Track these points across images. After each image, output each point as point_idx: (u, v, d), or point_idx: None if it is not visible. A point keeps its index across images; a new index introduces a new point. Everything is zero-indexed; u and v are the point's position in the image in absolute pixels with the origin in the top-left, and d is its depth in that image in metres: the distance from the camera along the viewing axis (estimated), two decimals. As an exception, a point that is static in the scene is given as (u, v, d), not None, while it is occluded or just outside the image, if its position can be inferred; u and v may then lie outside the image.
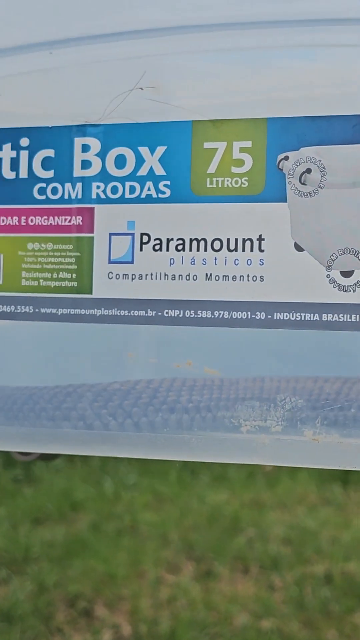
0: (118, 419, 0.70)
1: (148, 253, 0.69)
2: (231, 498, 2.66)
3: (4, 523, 2.50)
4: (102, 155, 0.70)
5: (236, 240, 0.67)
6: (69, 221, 0.71)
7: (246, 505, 2.61)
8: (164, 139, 0.68)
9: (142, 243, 0.69)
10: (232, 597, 2.18)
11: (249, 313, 0.66)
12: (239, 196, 0.66)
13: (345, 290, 0.64)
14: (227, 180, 0.67)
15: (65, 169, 0.71)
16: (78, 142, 0.70)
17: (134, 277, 0.69)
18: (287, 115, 0.65)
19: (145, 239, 0.69)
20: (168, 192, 0.68)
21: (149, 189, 0.69)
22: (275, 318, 0.66)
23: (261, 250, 0.66)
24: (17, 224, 0.72)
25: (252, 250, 0.66)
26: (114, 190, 0.69)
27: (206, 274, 0.67)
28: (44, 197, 0.71)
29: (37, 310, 0.71)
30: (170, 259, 0.68)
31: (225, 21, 0.67)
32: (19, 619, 2.03)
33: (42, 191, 0.71)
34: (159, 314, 0.68)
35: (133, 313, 0.69)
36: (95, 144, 0.70)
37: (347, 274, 0.64)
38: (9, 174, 0.72)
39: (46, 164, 0.71)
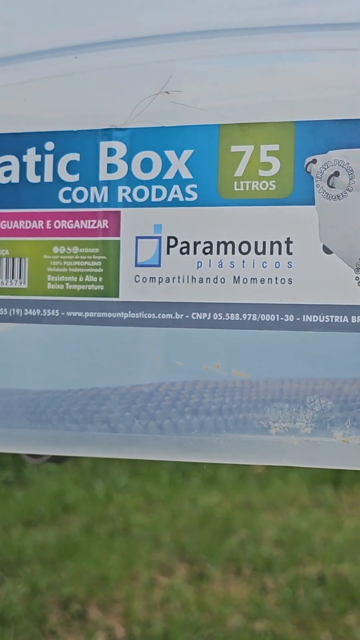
0: (143, 421, 0.70)
1: (175, 256, 0.69)
2: (223, 500, 2.66)
3: (-4, 526, 2.50)
4: (128, 159, 0.70)
5: (264, 243, 0.67)
6: (95, 225, 0.71)
7: (238, 507, 2.61)
8: (191, 142, 0.68)
9: (169, 246, 0.69)
10: (225, 598, 2.19)
11: (277, 315, 0.66)
12: (267, 199, 0.67)
13: (376, 292, 0.65)
14: (255, 184, 0.67)
15: (90, 173, 0.71)
16: (104, 145, 0.70)
17: (160, 280, 0.69)
18: (315, 118, 0.66)
19: (172, 242, 0.69)
20: (195, 196, 0.68)
21: (175, 193, 0.69)
22: (304, 320, 0.66)
23: (289, 253, 0.66)
24: (43, 227, 0.72)
25: (280, 253, 0.67)
26: (140, 193, 0.70)
27: (234, 277, 0.67)
28: (69, 200, 0.71)
29: (63, 313, 0.71)
30: (198, 262, 0.68)
31: (252, 25, 0.67)
32: (12, 622, 2.03)
33: (67, 195, 0.71)
34: (187, 316, 0.68)
35: (160, 316, 0.69)
36: (121, 148, 0.70)
37: (378, 276, 0.65)
38: (33, 178, 0.72)
39: (71, 167, 0.71)
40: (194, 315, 0.68)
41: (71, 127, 0.71)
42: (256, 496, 2.68)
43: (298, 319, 0.66)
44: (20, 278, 0.72)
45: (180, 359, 0.69)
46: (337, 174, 0.65)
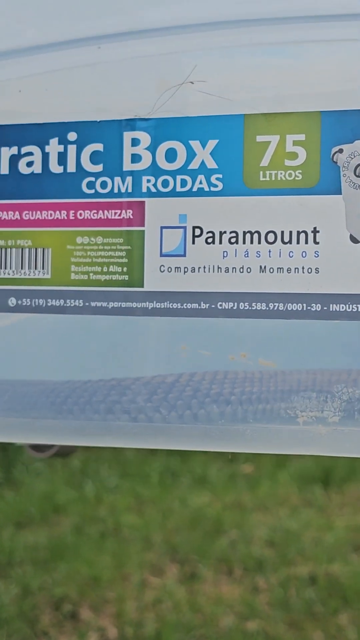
0: (169, 411, 0.70)
1: (200, 246, 0.69)
2: (213, 500, 2.66)
3: (-14, 527, 2.49)
4: (152, 149, 0.70)
5: (290, 232, 0.67)
6: (119, 215, 0.71)
7: (228, 508, 2.61)
8: (216, 132, 0.68)
9: (194, 236, 0.69)
10: (217, 599, 2.19)
11: (304, 305, 0.67)
12: (293, 189, 0.67)
13: None
14: (281, 173, 0.67)
15: (114, 163, 0.71)
16: (127, 136, 0.70)
17: (186, 270, 0.69)
18: (342, 108, 0.66)
19: (197, 232, 0.69)
20: (220, 186, 0.68)
21: (200, 183, 0.69)
22: (331, 310, 0.66)
23: (316, 243, 0.66)
24: (66, 218, 0.72)
25: (307, 242, 0.67)
26: (165, 183, 0.70)
27: (260, 267, 0.68)
28: (92, 191, 0.71)
29: (87, 303, 0.71)
30: (224, 252, 0.68)
31: (277, 15, 0.67)
32: (5, 623, 2.02)
33: (90, 185, 0.71)
34: (213, 306, 0.68)
35: (186, 306, 0.69)
36: (145, 138, 0.70)
37: None
38: (56, 168, 0.72)
39: (95, 158, 0.71)
40: (220, 305, 0.68)
41: (94, 118, 0.71)
42: (246, 496, 2.68)
43: (325, 308, 0.66)
44: (43, 268, 0.72)
45: (207, 349, 0.69)
46: (364, 163, 0.66)
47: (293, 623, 2.07)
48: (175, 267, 0.69)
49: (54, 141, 0.72)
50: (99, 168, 0.71)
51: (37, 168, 0.72)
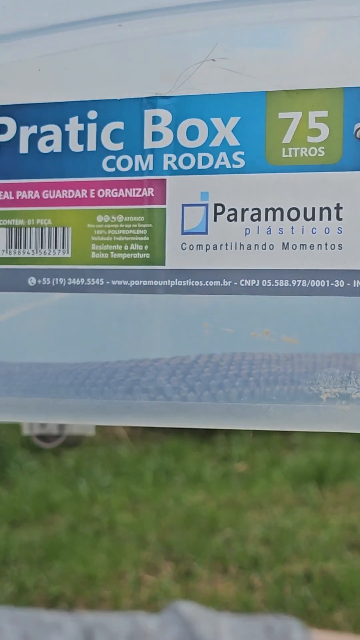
0: (187, 391, 0.70)
1: (222, 223, 0.69)
2: (207, 499, 2.66)
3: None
4: (173, 126, 0.70)
5: (313, 209, 0.67)
6: (140, 193, 0.70)
7: (222, 506, 2.61)
8: (238, 109, 0.68)
9: (216, 213, 0.69)
10: (213, 597, 2.19)
11: (327, 281, 0.67)
12: (316, 165, 0.67)
13: None
14: (303, 150, 0.67)
15: (135, 141, 0.71)
16: (148, 114, 0.70)
17: (208, 247, 0.69)
18: (364, 84, 0.66)
19: (219, 209, 0.69)
20: (242, 163, 0.68)
21: (222, 160, 0.69)
22: (354, 285, 0.66)
23: (339, 219, 0.67)
24: (86, 196, 0.72)
25: (330, 219, 0.67)
26: (186, 161, 0.69)
27: (283, 243, 0.68)
28: (113, 169, 0.71)
29: (107, 282, 0.71)
30: (246, 229, 0.68)
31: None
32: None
33: (111, 163, 0.71)
34: (235, 283, 0.68)
35: (208, 283, 0.69)
36: (166, 116, 0.70)
37: None
38: (76, 147, 0.72)
39: (115, 136, 0.71)
40: (242, 282, 0.68)
41: (115, 96, 0.71)
42: (240, 495, 2.68)
43: (348, 284, 0.66)
44: (63, 247, 0.72)
45: (229, 326, 0.69)
46: (387, 139, 0.66)
47: (289, 620, 2.06)
48: (197, 245, 0.69)
49: (74, 120, 0.72)
50: (119, 146, 0.71)
51: (56, 147, 0.72)
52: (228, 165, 0.68)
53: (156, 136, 0.70)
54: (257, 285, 0.68)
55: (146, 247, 0.70)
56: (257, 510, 2.61)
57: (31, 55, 0.72)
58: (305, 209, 0.67)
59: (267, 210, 0.68)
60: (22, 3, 0.72)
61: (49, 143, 0.72)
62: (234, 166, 0.68)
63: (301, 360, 0.68)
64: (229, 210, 0.68)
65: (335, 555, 2.37)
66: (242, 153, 0.68)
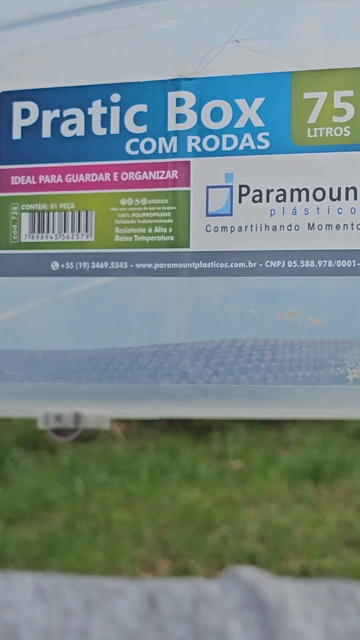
0: (211, 376, 0.70)
1: (247, 205, 0.69)
2: (203, 496, 2.66)
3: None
4: (197, 108, 0.69)
5: (339, 189, 0.67)
6: (164, 175, 0.70)
7: (218, 503, 2.61)
8: (262, 90, 0.68)
9: (240, 195, 0.69)
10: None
11: (353, 261, 0.67)
12: (342, 145, 0.67)
13: None
14: (329, 130, 0.67)
15: (159, 124, 0.70)
16: (172, 96, 0.70)
17: (233, 229, 0.69)
18: (390, 64, 0.66)
19: (244, 190, 0.69)
20: (267, 144, 0.68)
21: (247, 141, 0.69)
22: (381, 265, 0.66)
23: (365, 199, 0.67)
24: (109, 180, 0.72)
25: (355, 198, 0.67)
26: (211, 143, 0.69)
27: (308, 224, 0.68)
28: (136, 152, 0.71)
29: (131, 265, 0.71)
30: (271, 210, 0.68)
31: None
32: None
33: (134, 146, 0.71)
34: (260, 265, 0.68)
35: (233, 265, 0.69)
36: (190, 98, 0.70)
37: None
38: (99, 130, 0.72)
39: (139, 119, 0.71)
40: (268, 264, 0.68)
41: (138, 79, 0.71)
42: (236, 492, 2.68)
43: (375, 264, 0.66)
44: (87, 231, 0.72)
45: (255, 308, 0.69)
46: None
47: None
48: (222, 227, 0.69)
49: (96, 103, 0.72)
50: (143, 129, 0.71)
51: (79, 131, 0.72)
52: (253, 147, 0.68)
53: (180, 118, 0.70)
54: (283, 266, 0.68)
55: (170, 230, 0.70)
56: (253, 507, 2.60)
57: (53, 39, 0.72)
58: (330, 189, 0.67)
59: (292, 190, 0.68)
60: (44, -14, 0.72)
61: (72, 127, 0.72)
62: (259, 147, 0.68)
63: (325, 344, 0.68)
64: (254, 191, 0.68)
65: (331, 552, 2.37)
66: (267, 134, 0.68)
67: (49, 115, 0.72)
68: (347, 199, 0.67)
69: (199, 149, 0.70)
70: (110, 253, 0.71)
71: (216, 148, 0.69)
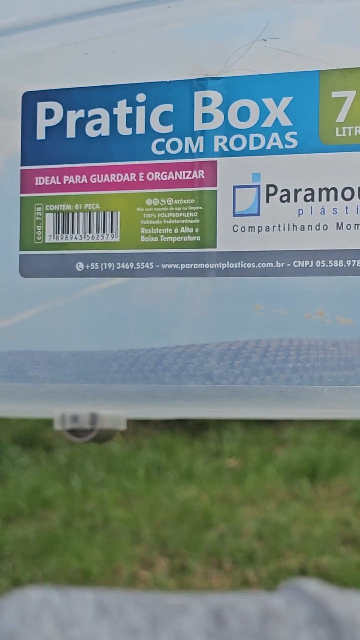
0: (235, 377, 0.70)
1: (275, 204, 0.68)
2: (200, 494, 2.66)
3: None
4: (224, 108, 0.69)
5: (368, 188, 0.67)
6: (190, 175, 0.70)
7: (216, 501, 2.61)
8: (290, 89, 0.68)
9: (268, 195, 0.69)
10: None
11: (383, 261, 0.66)
12: (370, 144, 0.67)
13: None
14: (358, 129, 0.67)
15: (185, 123, 0.70)
16: (198, 95, 0.70)
17: (260, 229, 0.69)
18: None
19: (271, 190, 0.68)
20: (295, 143, 0.68)
21: (274, 140, 0.68)
22: None
23: (394, 198, 0.66)
24: (135, 180, 0.71)
25: (385, 198, 0.66)
26: (238, 142, 0.69)
27: (337, 223, 0.67)
28: (162, 152, 0.71)
29: (157, 266, 0.71)
30: (299, 210, 0.68)
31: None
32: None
33: (160, 146, 0.71)
34: (288, 265, 0.68)
35: (260, 265, 0.69)
36: (216, 97, 0.69)
37: None
38: (124, 130, 0.71)
39: (164, 118, 0.70)
40: (296, 263, 0.68)
41: (164, 78, 0.70)
42: (233, 490, 2.68)
43: None
44: (112, 232, 0.71)
45: (282, 308, 0.69)
46: None
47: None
48: (249, 227, 0.69)
49: (122, 103, 0.71)
50: (168, 129, 0.70)
51: (104, 131, 0.72)
52: (280, 146, 0.68)
53: (206, 118, 0.69)
54: (311, 266, 0.68)
55: (197, 230, 0.70)
56: (250, 505, 2.61)
57: (78, 39, 0.71)
58: (359, 189, 0.67)
59: (320, 190, 0.67)
60: (69, -15, 0.71)
61: (97, 127, 0.72)
62: (287, 146, 0.68)
63: (349, 343, 0.68)
64: (282, 191, 0.68)
65: (329, 550, 2.37)
66: (295, 133, 0.68)
67: (73, 116, 0.72)
68: (376, 198, 0.67)
69: (225, 149, 0.69)
70: (136, 253, 0.71)
71: (243, 147, 0.69)
